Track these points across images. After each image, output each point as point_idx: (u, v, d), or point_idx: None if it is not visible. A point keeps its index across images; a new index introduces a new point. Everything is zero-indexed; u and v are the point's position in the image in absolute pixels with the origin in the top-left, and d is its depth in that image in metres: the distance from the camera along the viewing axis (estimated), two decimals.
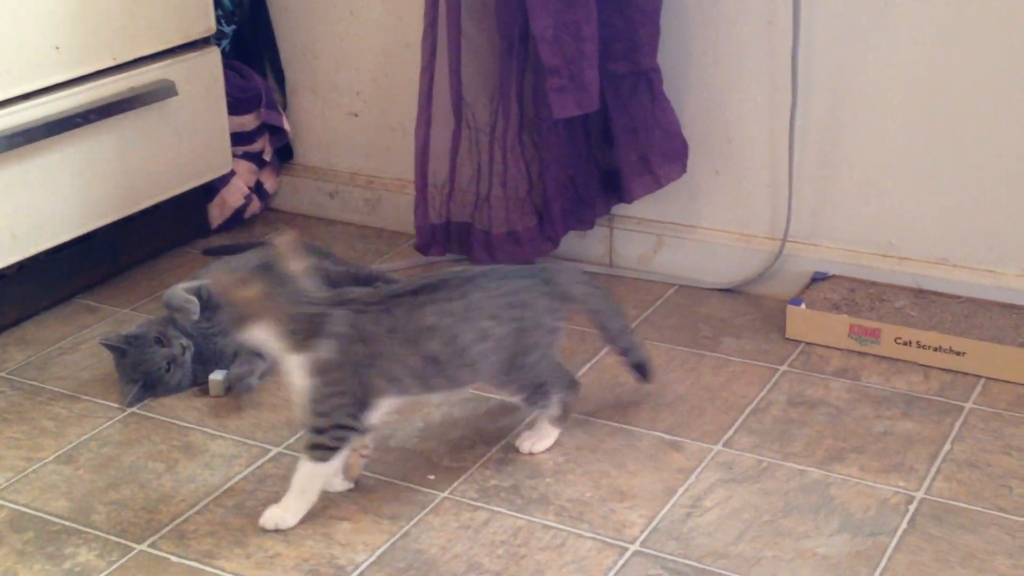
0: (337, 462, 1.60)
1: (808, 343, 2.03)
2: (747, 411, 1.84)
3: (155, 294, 2.25)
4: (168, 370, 1.88)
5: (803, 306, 2.04)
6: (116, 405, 1.90)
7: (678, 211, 2.26)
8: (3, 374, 2.00)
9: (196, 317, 1.90)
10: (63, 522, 1.63)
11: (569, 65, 2.05)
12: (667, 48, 2.14)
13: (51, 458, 1.77)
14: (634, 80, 2.13)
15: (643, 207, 2.27)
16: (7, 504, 1.67)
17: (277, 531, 1.60)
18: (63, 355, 2.05)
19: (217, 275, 1.66)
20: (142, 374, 1.88)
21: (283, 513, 1.61)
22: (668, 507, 1.63)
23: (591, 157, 2.22)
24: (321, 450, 1.58)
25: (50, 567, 1.54)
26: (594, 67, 2.06)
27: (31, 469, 1.75)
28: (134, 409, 1.89)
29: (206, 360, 1.93)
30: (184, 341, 1.89)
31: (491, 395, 1.90)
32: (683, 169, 2.19)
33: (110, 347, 1.90)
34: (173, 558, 1.56)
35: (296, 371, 1.57)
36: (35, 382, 1.97)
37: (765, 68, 2.11)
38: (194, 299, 1.91)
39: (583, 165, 2.21)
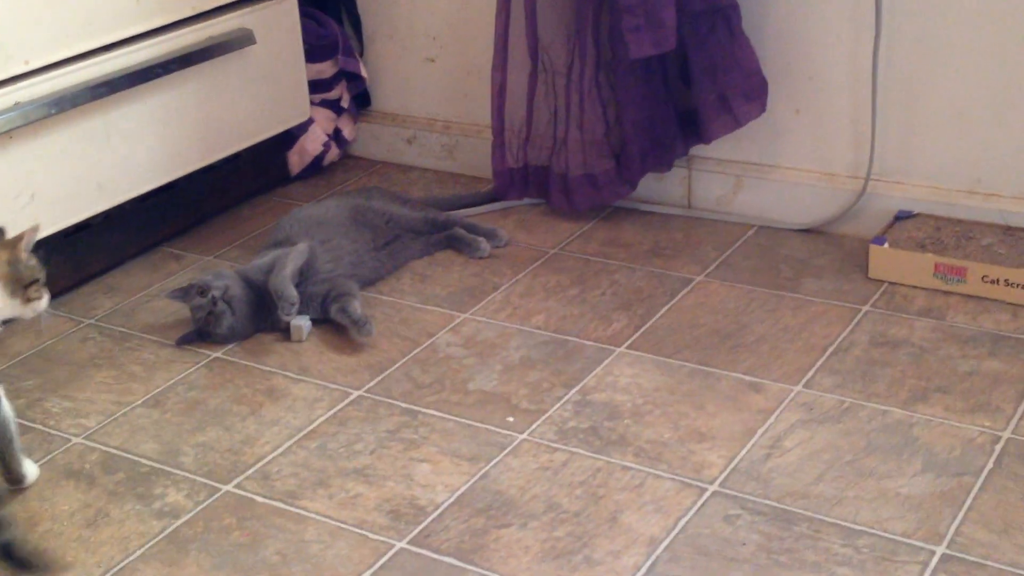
0: None
1: (891, 283, 1.99)
2: (828, 352, 1.82)
3: (237, 241, 2.29)
4: (209, 317, 1.91)
5: (886, 245, 2.00)
6: (201, 350, 1.94)
7: (758, 151, 2.23)
8: (92, 321, 2.05)
9: (290, 319, 1.92)
10: (152, 463, 1.67)
11: (645, 4, 2.02)
12: None
13: (140, 402, 1.81)
14: (712, 18, 2.09)
15: (722, 147, 2.24)
16: (99, 446, 1.72)
17: (357, 472, 1.62)
18: (149, 302, 2.10)
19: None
20: (193, 323, 1.94)
21: None
22: (748, 448, 1.62)
23: (668, 97, 2.19)
24: None
25: (140, 507, 1.59)
26: (671, 6, 2.03)
27: (121, 412, 1.79)
28: (219, 354, 1.92)
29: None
30: (221, 292, 1.92)
31: (568, 337, 1.90)
32: (763, 108, 2.16)
33: (173, 299, 1.96)
34: (258, 498, 1.59)
35: None
36: (123, 328, 2.02)
37: (848, 2, 2.05)
38: (295, 300, 1.92)
39: (660, 106, 2.18)
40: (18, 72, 1.94)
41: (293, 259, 1.97)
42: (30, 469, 1.64)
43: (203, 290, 1.93)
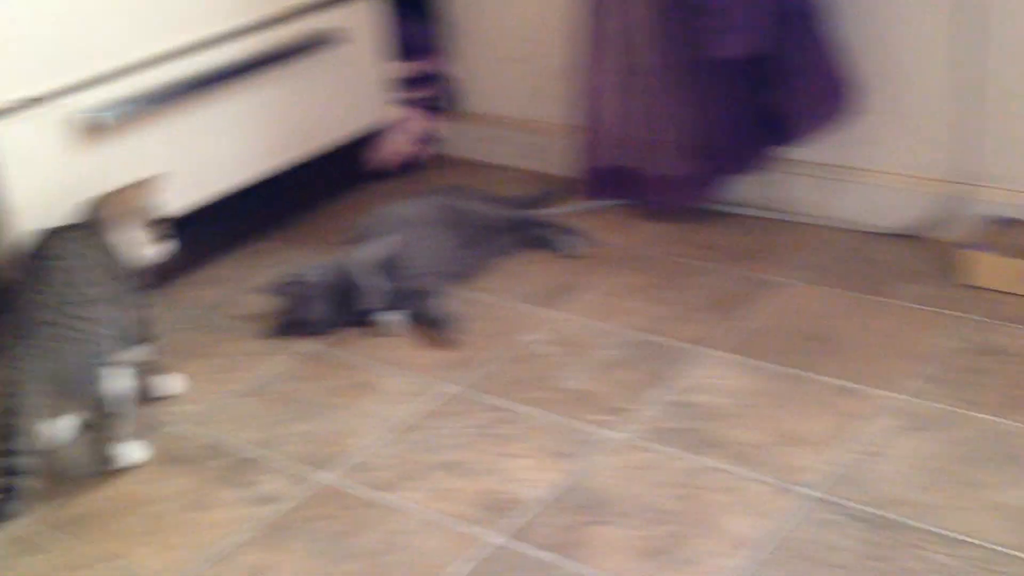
0: None
1: (987, 289, 1.97)
2: (924, 358, 1.81)
3: (328, 237, 2.32)
4: (298, 302, 1.95)
5: (982, 251, 1.98)
6: (300, 343, 1.97)
7: (847, 153, 2.22)
8: (197, 311, 2.09)
9: (378, 307, 1.95)
10: (252, 451, 1.71)
11: (734, 4, 2.02)
12: None
13: (240, 391, 1.85)
14: (802, 18, 2.09)
15: (811, 149, 2.23)
16: (203, 432, 1.76)
17: (451, 465, 1.64)
18: (245, 295, 2.14)
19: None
20: (286, 311, 1.97)
21: None
22: (845, 453, 1.62)
23: (756, 99, 2.19)
24: None
25: (241, 493, 1.62)
26: (760, 7, 2.03)
27: (223, 401, 1.83)
28: (318, 347, 1.96)
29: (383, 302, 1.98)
30: (309, 278, 1.96)
31: (658, 338, 1.91)
32: (854, 110, 2.15)
33: (272, 293, 2.00)
34: (355, 488, 1.62)
35: None
36: (220, 320, 2.06)
37: (945, 2, 2.04)
38: (380, 292, 1.95)
39: (748, 107, 2.18)
40: (113, 69, 1.99)
41: (378, 250, 2.00)
42: (127, 452, 1.68)
43: (296, 278, 1.96)
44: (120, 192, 1.80)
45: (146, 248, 1.78)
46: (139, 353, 1.77)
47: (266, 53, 2.20)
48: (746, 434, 1.67)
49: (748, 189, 2.30)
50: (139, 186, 1.81)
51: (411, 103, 2.56)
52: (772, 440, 1.65)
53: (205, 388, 1.86)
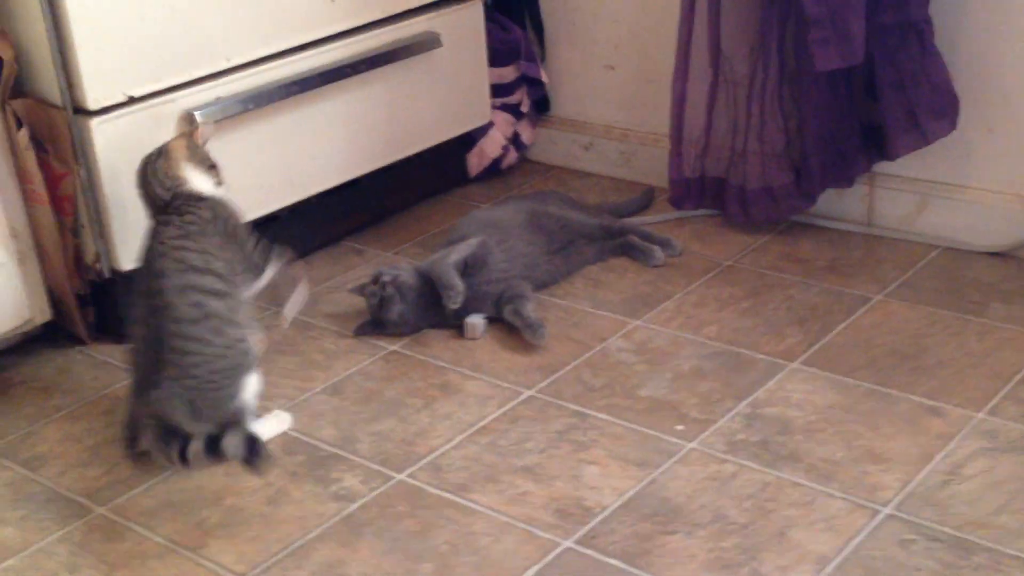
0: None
1: None
2: (1015, 379, 1.76)
3: (416, 238, 2.35)
4: (380, 302, 1.97)
5: None
6: (379, 343, 2.00)
7: (945, 170, 2.17)
8: (278, 309, 2.12)
9: (457, 307, 1.96)
10: (330, 448, 1.73)
11: (834, 16, 1.99)
12: None
13: (320, 388, 1.88)
14: (903, 31, 2.05)
15: (907, 165, 2.19)
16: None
17: (526, 470, 1.65)
18: (331, 293, 2.17)
19: None
20: (368, 311, 2.00)
21: None
22: (925, 473, 1.58)
23: (853, 112, 2.15)
24: None
25: (318, 489, 1.65)
26: (860, 18, 1.99)
27: (302, 398, 1.86)
28: (396, 348, 1.98)
29: (470, 306, 1.99)
30: (390, 277, 1.97)
31: (740, 350, 1.89)
32: (952, 126, 2.10)
33: (355, 293, 2.03)
34: (429, 489, 1.63)
35: None
36: (306, 318, 2.09)
37: None
38: (460, 288, 1.95)
39: (844, 120, 2.15)
40: (220, 69, 2.04)
41: (460, 250, 2.01)
42: (268, 428, 1.71)
43: (376, 278, 1.99)
44: (172, 145, 1.75)
45: (212, 188, 1.74)
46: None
47: (364, 57, 2.23)
48: (824, 449, 1.64)
49: (840, 202, 2.27)
50: (184, 135, 1.80)
51: (502, 108, 2.57)
52: (851, 456, 1.63)
53: (286, 384, 1.89)
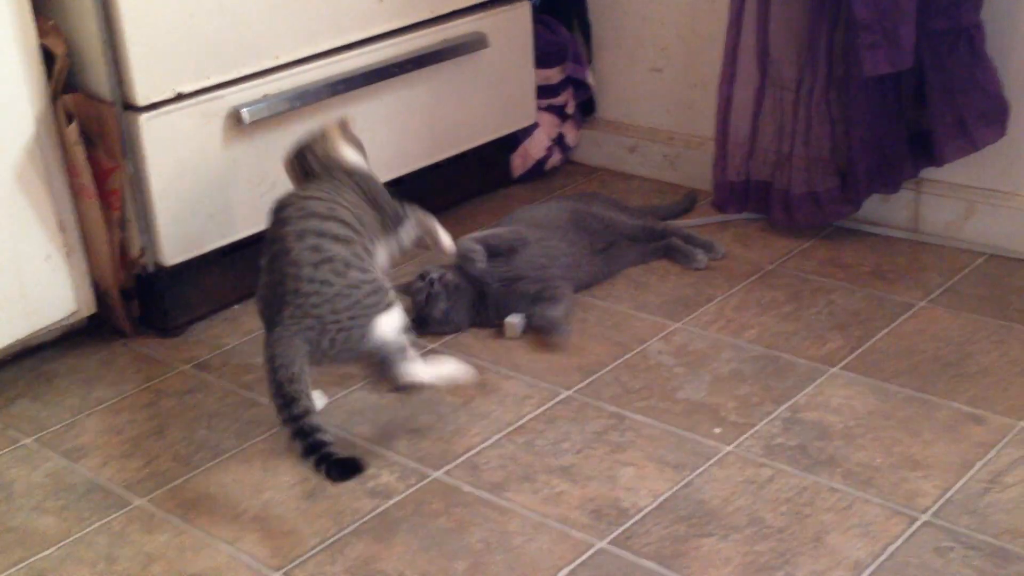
0: None
1: None
2: None
3: (458, 238, 2.34)
4: (426, 304, 1.98)
5: None
6: (418, 342, 1.99)
7: (994, 176, 2.14)
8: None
9: (482, 266, 1.98)
10: (367, 445, 1.74)
11: (883, 20, 1.98)
12: (992, 2, 2.02)
13: (358, 386, 1.89)
14: (954, 37, 2.03)
15: (954, 171, 2.16)
16: None
17: (562, 469, 1.65)
18: None
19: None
20: (414, 310, 2.00)
21: None
22: (964, 480, 1.56)
23: (901, 117, 2.13)
24: None
25: (354, 485, 1.66)
26: (910, 23, 1.98)
27: (341, 394, 1.87)
28: (434, 346, 1.99)
29: (505, 303, 2.00)
30: (438, 274, 1.99)
31: (780, 354, 1.88)
32: (1002, 132, 2.08)
33: (399, 291, 2.03)
34: (465, 487, 1.64)
35: None
36: None
37: None
38: (478, 248, 1.99)
39: (892, 125, 2.13)
40: (268, 67, 2.06)
41: (487, 231, 2.04)
42: (414, 372, 1.71)
43: (423, 275, 2.00)
44: (328, 128, 1.89)
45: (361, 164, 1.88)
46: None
47: (411, 56, 2.24)
48: (863, 455, 1.63)
49: (885, 208, 2.25)
50: (338, 121, 1.91)
51: (548, 109, 2.58)
52: (889, 462, 1.61)
53: (325, 381, 1.91)
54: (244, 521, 1.60)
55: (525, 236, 2.05)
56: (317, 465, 1.56)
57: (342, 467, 1.57)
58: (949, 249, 2.17)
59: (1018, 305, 1.97)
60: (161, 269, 2.01)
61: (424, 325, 2.01)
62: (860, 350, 1.88)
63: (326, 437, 1.57)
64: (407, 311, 2.01)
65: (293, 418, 1.58)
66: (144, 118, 1.92)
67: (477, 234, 2.04)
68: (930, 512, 1.52)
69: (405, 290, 2.03)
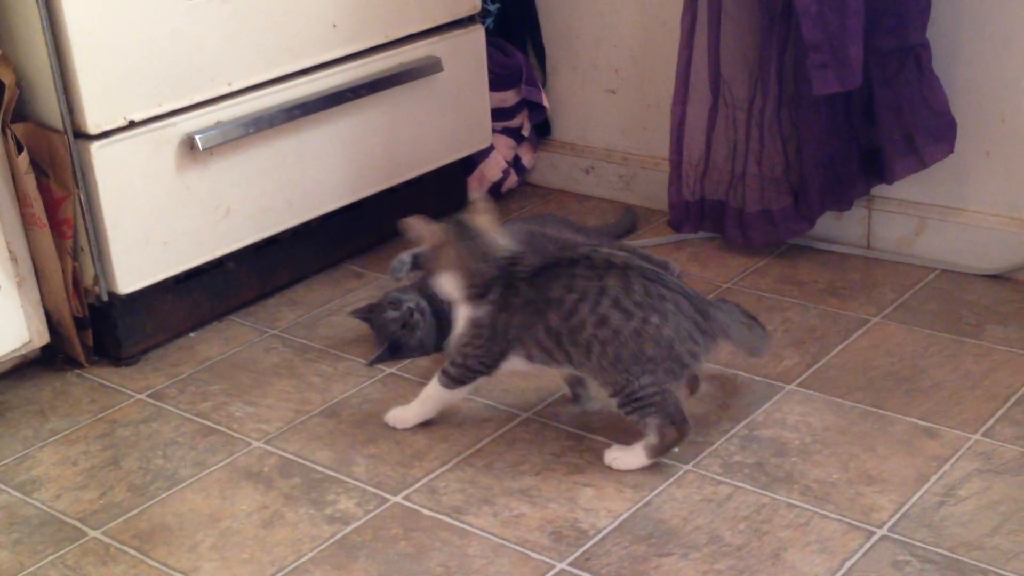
0: (461, 392, 1.77)
1: None
2: (1011, 401, 1.76)
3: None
4: (402, 330, 1.97)
5: None
6: (378, 366, 2.00)
7: (943, 193, 2.17)
8: (275, 332, 2.13)
9: (401, 278, 2.02)
10: (326, 471, 1.73)
11: (832, 41, 2.00)
12: (937, 22, 2.06)
13: (316, 411, 1.88)
14: (901, 56, 2.06)
15: (905, 188, 2.19)
16: (277, 451, 1.79)
17: (521, 492, 1.64)
18: (329, 316, 2.17)
19: (415, 222, 1.77)
20: (385, 338, 1.98)
21: (403, 414, 1.81)
22: (920, 494, 1.58)
23: (851, 135, 2.16)
24: (448, 378, 1.76)
25: (313, 511, 1.65)
26: (858, 43, 2.00)
27: (299, 420, 1.86)
28: (392, 370, 1.98)
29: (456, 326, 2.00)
30: (415, 303, 1.98)
31: (738, 371, 1.89)
32: (950, 149, 2.11)
33: (358, 318, 2.02)
34: (424, 511, 1.63)
35: (460, 316, 1.74)
36: (304, 340, 2.10)
37: None
38: (406, 259, 2.03)
39: (843, 144, 2.15)
40: (222, 93, 2.05)
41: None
42: None
43: (395, 304, 1.98)
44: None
45: None
46: None
47: (366, 81, 2.24)
48: (820, 471, 1.64)
49: (838, 225, 2.27)
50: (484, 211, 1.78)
51: (503, 131, 2.59)
52: (846, 478, 1.62)
53: (283, 407, 1.90)
54: (201, 551, 1.59)
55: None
56: None
57: None
58: (901, 265, 2.19)
59: (969, 319, 2.00)
60: (115, 298, 2.00)
61: (397, 352, 1.99)
62: (816, 367, 1.89)
63: None
64: (378, 337, 2.01)
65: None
66: (96, 146, 1.90)
67: (412, 251, 2.04)
68: (887, 526, 1.53)
69: (364, 316, 2.02)
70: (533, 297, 1.67)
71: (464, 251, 1.71)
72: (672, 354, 1.63)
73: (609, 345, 1.62)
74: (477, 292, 1.70)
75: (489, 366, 1.73)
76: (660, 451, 1.66)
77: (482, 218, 1.75)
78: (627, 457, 1.68)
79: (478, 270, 1.70)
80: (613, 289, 1.63)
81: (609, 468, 1.68)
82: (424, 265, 1.91)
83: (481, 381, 1.76)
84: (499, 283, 1.70)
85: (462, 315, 1.73)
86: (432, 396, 1.79)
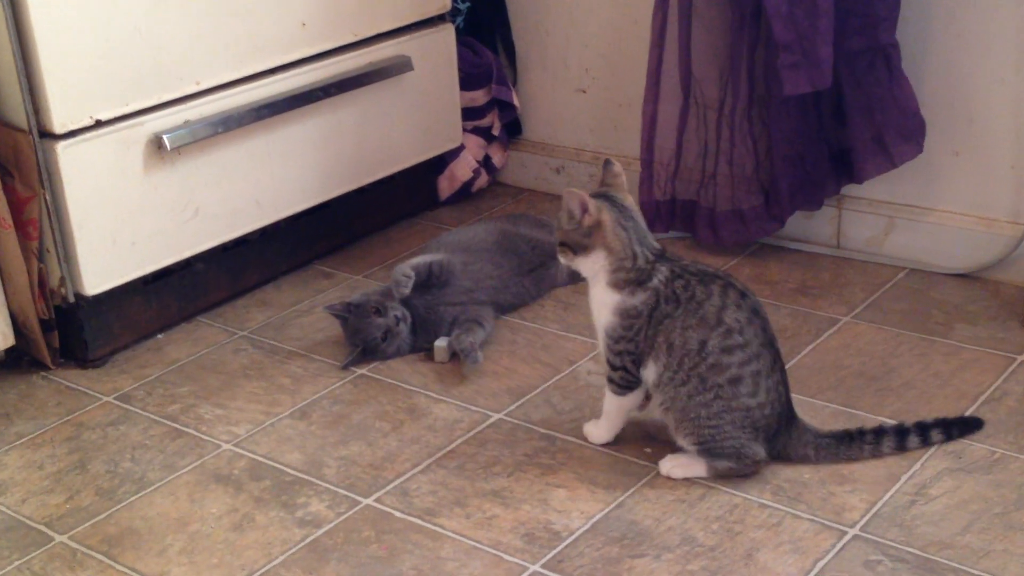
0: (633, 396, 1.67)
1: None
2: (980, 400, 1.77)
3: (386, 262, 2.34)
4: (384, 339, 1.95)
5: None
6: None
7: (912, 192, 2.18)
8: (245, 333, 2.12)
9: (406, 293, 1.96)
10: (296, 473, 1.72)
11: (802, 41, 2.01)
12: (906, 23, 2.06)
13: (287, 413, 1.87)
14: (871, 56, 2.07)
15: (874, 187, 2.20)
16: (247, 454, 1.77)
17: (493, 493, 1.64)
18: (299, 317, 2.16)
19: (578, 193, 1.61)
20: (361, 341, 1.96)
21: (596, 430, 1.73)
22: (891, 493, 1.58)
23: (821, 135, 2.16)
24: (615, 385, 1.67)
25: (284, 514, 1.63)
26: (828, 43, 2.01)
27: (269, 423, 1.85)
28: (363, 371, 1.97)
29: (429, 328, 1.99)
30: (400, 312, 1.96)
31: None
32: (919, 149, 2.11)
33: (333, 314, 1.99)
34: (397, 513, 1.62)
35: (604, 306, 1.61)
36: (273, 341, 2.08)
37: (1013, 43, 2.01)
38: (411, 274, 1.97)
39: (813, 143, 2.16)
40: (189, 92, 2.03)
41: (419, 257, 2.03)
42: None
43: (380, 310, 1.96)
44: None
45: None
46: None
47: (335, 80, 2.23)
48: (791, 471, 1.64)
49: (809, 225, 2.28)
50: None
51: (474, 131, 2.58)
52: (818, 477, 1.62)
53: (253, 409, 1.88)
54: (170, 555, 1.57)
55: (453, 265, 2.04)
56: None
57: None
58: (871, 264, 2.20)
59: (938, 318, 2.01)
60: (81, 299, 1.98)
61: (373, 354, 1.98)
62: (787, 366, 1.88)
63: None
64: (351, 337, 1.99)
65: None
66: (61, 146, 1.88)
67: (415, 260, 2.01)
68: (858, 526, 1.53)
69: (339, 314, 2.00)
70: (689, 303, 1.57)
71: (625, 232, 1.59)
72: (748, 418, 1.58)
73: (719, 376, 1.56)
74: (636, 277, 1.59)
75: (636, 366, 1.61)
76: (718, 476, 1.62)
77: (631, 199, 1.64)
78: (684, 466, 1.64)
79: (638, 253, 1.60)
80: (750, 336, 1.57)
81: (582, 469, 1.68)
82: (570, 242, 1.62)
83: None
84: (663, 270, 1.59)
85: (607, 304, 1.60)
86: (612, 408, 1.69)
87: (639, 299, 1.58)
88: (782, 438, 1.61)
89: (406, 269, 1.98)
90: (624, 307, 1.59)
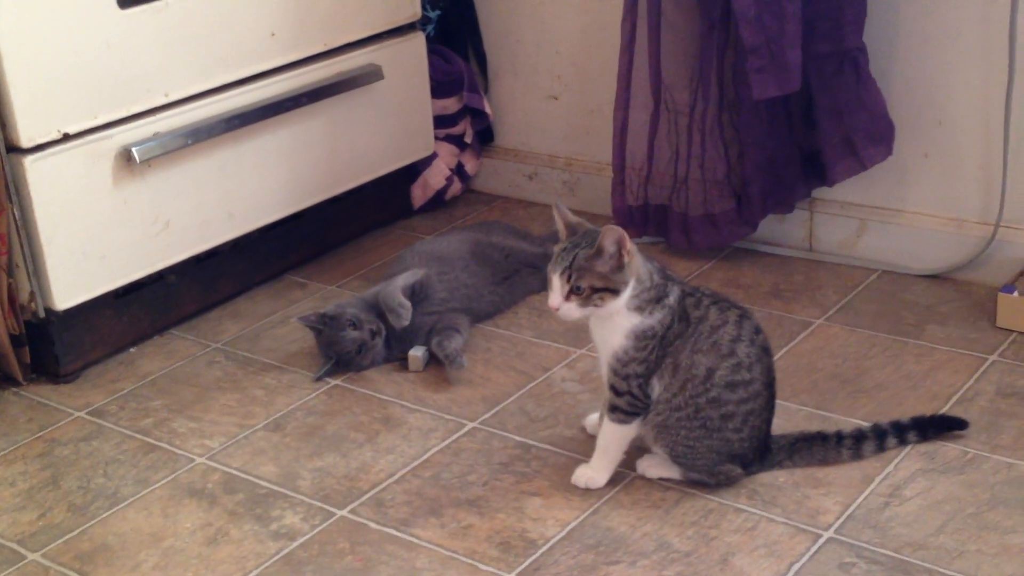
0: (636, 425, 1.61)
1: (1020, 333, 1.93)
2: (952, 400, 1.78)
3: (360, 271, 2.33)
4: (358, 352, 1.95)
5: (1016, 294, 1.95)
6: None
7: (883, 195, 2.19)
8: (218, 345, 2.11)
9: (406, 324, 1.95)
10: (271, 486, 1.71)
11: (771, 45, 2.01)
12: (874, 26, 2.07)
13: (260, 425, 1.86)
14: (839, 60, 2.08)
15: (845, 190, 2.21)
16: (220, 467, 1.76)
17: (469, 502, 1.64)
18: (273, 328, 2.15)
19: (621, 231, 1.55)
20: (335, 353, 1.96)
21: (592, 472, 1.65)
22: (865, 495, 1.59)
23: (792, 139, 2.17)
24: (619, 413, 1.60)
25: (258, 527, 1.62)
26: (797, 47, 2.02)
27: (243, 435, 1.84)
28: (337, 382, 1.96)
29: (405, 338, 1.99)
30: (375, 326, 1.95)
31: None
32: (889, 151, 2.13)
33: (307, 326, 1.98)
34: (372, 524, 1.62)
35: (619, 330, 1.57)
36: (247, 353, 2.07)
37: (979, 45, 2.02)
38: (407, 304, 1.95)
39: (783, 147, 2.17)
40: (158, 104, 2.02)
41: (405, 277, 2.01)
42: None
43: (356, 324, 1.95)
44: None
45: None
46: None
47: (306, 90, 2.23)
48: (766, 475, 1.64)
49: (781, 228, 2.28)
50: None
51: (446, 139, 2.57)
52: (792, 481, 1.63)
53: (226, 421, 1.87)
54: (144, 571, 1.56)
55: (431, 277, 2.03)
56: None
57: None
58: (844, 267, 2.21)
59: (910, 320, 2.01)
60: (52, 314, 1.96)
61: (348, 367, 1.97)
62: None
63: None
64: (325, 349, 1.98)
65: None
66: (29, 160, 1.87)
67: (399, 282, 1.99)
68: (833, 529, 1.54)
69: (313, 326, 1.98)
70: (698, 324, 1.57)
71: (640, 258, 1.58)
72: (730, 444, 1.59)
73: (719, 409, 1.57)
74: (656, 295, 1.56)
75: (644, 389, 1.58)
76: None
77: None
78: (660, 467, 1.64)
79: (652, 270, 1.59)
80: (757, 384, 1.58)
81: (557, 476, 1.68)
82: (611, 285, 1.55)
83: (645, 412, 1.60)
84: (675, 289, 1.58)
85: (622, 328, 1.57)
86: (611, 442, 1.63)
87: (656, 318, 1.56)
88: (755, 466, 1.63)
89: (401, 299, 1.96)
90: (641, 328, 1.56)
